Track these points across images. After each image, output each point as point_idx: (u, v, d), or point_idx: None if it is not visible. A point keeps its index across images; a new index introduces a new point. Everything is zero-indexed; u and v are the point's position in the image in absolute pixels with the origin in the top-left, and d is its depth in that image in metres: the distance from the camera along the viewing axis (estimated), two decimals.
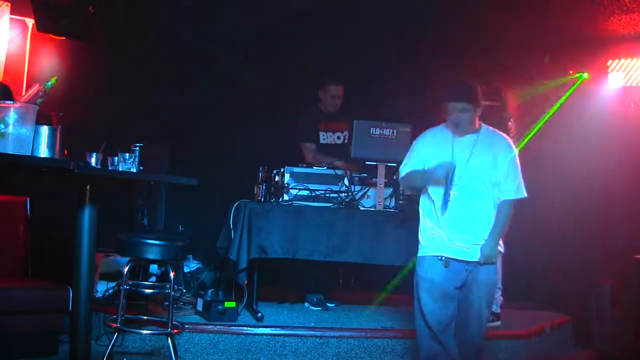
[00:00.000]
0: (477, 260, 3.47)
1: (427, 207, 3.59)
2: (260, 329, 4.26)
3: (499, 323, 4.71)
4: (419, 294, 3.53)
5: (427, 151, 3.60)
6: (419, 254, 3.59)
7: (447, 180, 3.45)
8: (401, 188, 3.80)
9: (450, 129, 3.56)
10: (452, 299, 3.52)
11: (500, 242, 3.58)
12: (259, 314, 4.43)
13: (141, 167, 3.66)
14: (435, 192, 3.54)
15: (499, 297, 4.78)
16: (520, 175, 3.56)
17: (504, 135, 3.64)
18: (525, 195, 3.56)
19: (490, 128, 3.63)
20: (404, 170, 3.70)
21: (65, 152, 3.18)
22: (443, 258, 3.49)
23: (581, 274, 5.17)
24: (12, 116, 2.91)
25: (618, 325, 4.71)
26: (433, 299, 3.50)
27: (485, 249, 3.48)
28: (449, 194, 3.47)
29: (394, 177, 4.83)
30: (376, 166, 4.71)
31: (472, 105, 3.49)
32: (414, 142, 3.73)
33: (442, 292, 3.49)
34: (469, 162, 3.49)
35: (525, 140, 5.09)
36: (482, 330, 3.55)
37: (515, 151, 3.58)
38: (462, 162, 3.50)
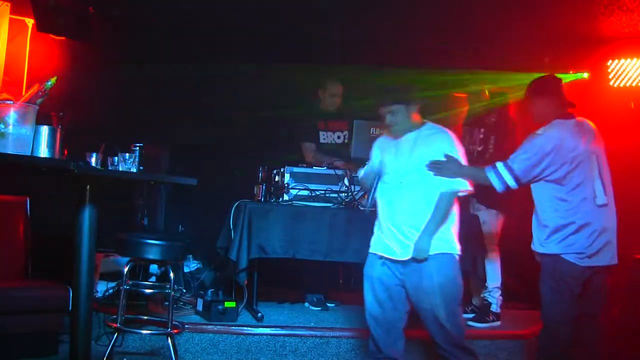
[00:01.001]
0: (408, 258, 3.43)
1: (378, 208, 3.64)
2: (260, 329, 4.26)
3: (498, 323, 4.72)
4: (363, 289, 3.61)
5: (377, 155, 3.69)
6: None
7: (373, 186, 3.58)
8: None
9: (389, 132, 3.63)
10: (392, 298, 3.51)
11: (456, 245, 3.50)
12: (259, 314, 4.43)
13: (141, 167, 3.66)
14: (380, 192, 3.60)
15: (498, 296, 4.78)
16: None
17: (448, 130, 3.56)
18: (468, 188, 3.48)
19: (435, 125, 3.58)
20: (359, 172, 3.85)
21: (65, 152, 3.18)
22: (380, 256, 3.55)
23: None
24: (12, 116, 2.92)
25: (618, 325, 4.71)
26: (373, 296, 3.55)
27: (417, 242, 3.41)
28: (393, 188, 3.51)
29: None
30: None
31: (404, 105, 3.48)
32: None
33: (381, 290, 3.52)
34: (408, 160, 3.48)
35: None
36: (449, 334, 3.42)
37: (458, 146, 3.51)
38: (402, 160, 3.50)
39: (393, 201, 3.51)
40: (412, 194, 3.45)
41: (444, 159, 3.42)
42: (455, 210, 3.54)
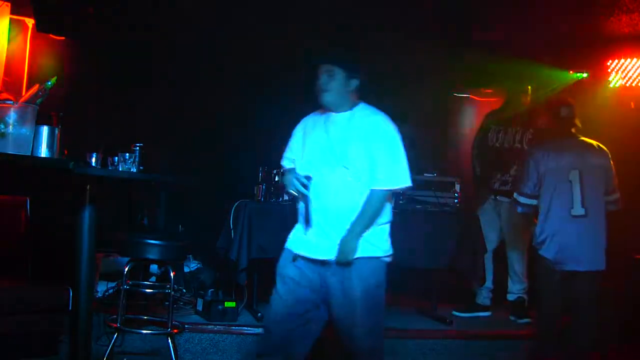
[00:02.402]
0: (329, 259, 3.01)
1: (298, 198, 3.17)
2: (261, 328, 4.23)
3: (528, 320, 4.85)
4: (273, 290, 3.18)
5: (298, 139, 3.23)
6: None
7: (301, 191, 3.06)
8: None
9: (321, 108, 3.13)
10: (301, 302, 3.07)
11: (386, 247, 3.11)
12: (259, 314, 4.43)
13: (141, 167, 3.67)
14: (301, 171, 3.15)
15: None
16: (399, 162, 3.02)
17: (384, 115, 3.10)
18: (409, 184, 3.03)
19: (371, 106, 3.13)
20: (283, 162, 3.37)
21: (65, 152, 3.19)
22: (294, 254, 3.11)
23: None
24: (12, 116, 2.92)
25: (618, 325, 4.71)
26: (280, 295, 3.12)
27: (341, 243, 2.97)
28: (308, 179, 3.06)
29: None
30: None
31: (344, 72, 3.02)
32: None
33: (293, 292, 3.08)
34: (338, 145, 3.02)
35: None
36: (366, 347, 3.03)
37: (395, 129, 3.05)
38: (332, 143, 3.04)
39: (316, 191, 3.05)
40: (339, 185, 3.00)
41: (380, 143, 3.00)
42: (388, 208, 3.13)
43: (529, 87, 5.16)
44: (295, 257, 3.09)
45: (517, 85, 5.17)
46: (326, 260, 3.03)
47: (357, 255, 2.99)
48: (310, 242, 3.08)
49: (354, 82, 3.07)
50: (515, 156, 4.94)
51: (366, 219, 2.99)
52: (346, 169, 3.00)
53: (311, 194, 3.06)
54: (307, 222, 3.08)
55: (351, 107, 3.09)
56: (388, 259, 3.12)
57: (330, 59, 3.07)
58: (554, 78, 5.81)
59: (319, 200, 3.05)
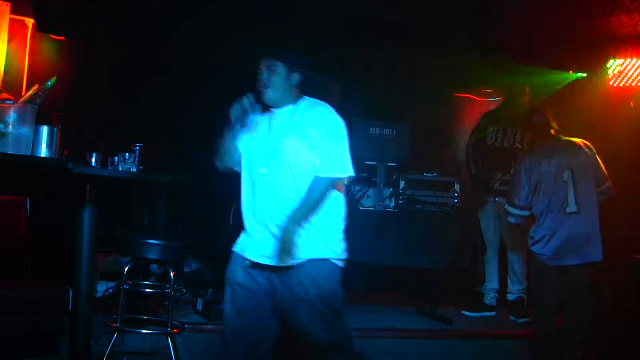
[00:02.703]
0: (278, 264, 2.86)
1: (243, 195, 3.08)
2: None
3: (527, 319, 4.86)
4: (224, 296, 3.03)
5: (247, 134, 3.08)
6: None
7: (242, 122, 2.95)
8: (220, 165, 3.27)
9: (263, 99, 3.00)
10: (257, 308, 2.93)
11: (339, 248, 2.93)
12: None
13: (141, 167, 3.67)
14: (245, 172, 3.07)
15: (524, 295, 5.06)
16: (341, 151, 2.91)
17: (328, 106, 3.02)
18: (351, 174, 2.93)
19: (314, 99, 3.04)
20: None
21: (65, 152, 3.19)
22: (244, 258, 2.96)
23: None
24: (12, 116, 2.93)
25: (618, 325, 4.72)
26: (232, 305, 2.95)
27: (282, 232, 2.81)
28: (257, 174, 2.97)
29: (394, 177, 4.85)
30: (376, 166, 4.70)
31: (285, 67, 2.96)
32: None
33: (243, 298, 2.93)
34: (279, 140, 2.92)
35: None
36: (329, 346, 2.92)
37: (339, 120, 2.95)
38: (273, 139, 2.94)
39: (261, 191, 2.96)
40: (282, 182, 2.89)
41: (322, 132, 2.90)
42: (341, 204, 2.99)
43: (528, 88, 5.17)
44: (251, 264, 2.94)
45: (517, 86, 5.18)
46: (274, 266, 2.88)
47: (307, 257, 2.84)
48: (257, 245, 2.94)
49: (296, 77, 2.99)
50: (516, 156, 4.95)
51: (308, 206, 2.84)
52: (288, 164, 2.89)
53: (257, 195, 2.96)
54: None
55: (294, 102, 3.00)
56: (341, 264, 2.93)
57: (270, 53, 3.00)
58: (554, 78, 5.81)
59: (264, 199, 2.94)
